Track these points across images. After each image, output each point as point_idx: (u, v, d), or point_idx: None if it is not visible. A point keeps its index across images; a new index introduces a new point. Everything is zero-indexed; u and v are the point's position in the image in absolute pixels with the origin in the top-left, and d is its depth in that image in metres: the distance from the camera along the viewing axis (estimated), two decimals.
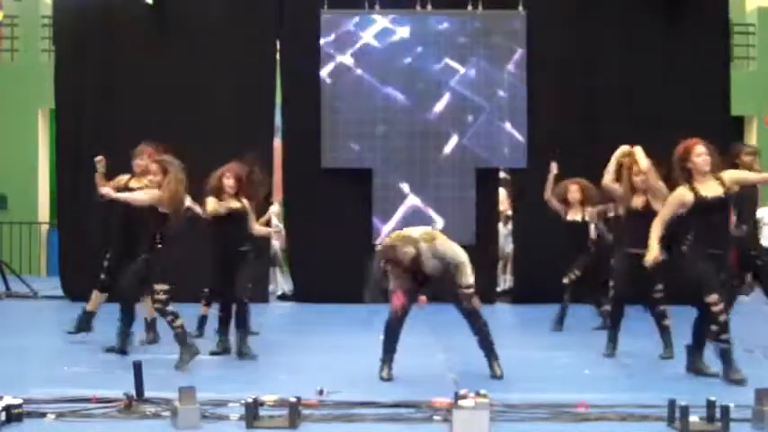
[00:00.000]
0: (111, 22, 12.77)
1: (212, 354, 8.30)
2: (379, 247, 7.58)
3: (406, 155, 12.81)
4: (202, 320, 9.43)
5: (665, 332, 8.40)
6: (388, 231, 12.74)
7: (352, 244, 12.46)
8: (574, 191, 10.12)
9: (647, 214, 7.88)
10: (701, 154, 7.23)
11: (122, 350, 8.18)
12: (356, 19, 12.96)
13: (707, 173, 7.22)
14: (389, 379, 7.34)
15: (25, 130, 16.87)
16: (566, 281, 10.01)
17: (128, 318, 8.26)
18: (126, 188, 8.64)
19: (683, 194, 7.22)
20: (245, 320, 8.37)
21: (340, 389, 6.73)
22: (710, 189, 7.17)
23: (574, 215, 10.12)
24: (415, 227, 7.64)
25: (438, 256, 7.25)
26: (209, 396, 6.27)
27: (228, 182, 8.39)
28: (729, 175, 7.35)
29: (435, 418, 6.02)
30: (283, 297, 13.47)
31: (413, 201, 12.83)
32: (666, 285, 8.32)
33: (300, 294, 13.11)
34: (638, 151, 8.26)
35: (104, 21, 12.78)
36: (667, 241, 7.60)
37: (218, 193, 8.40)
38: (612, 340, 8.43)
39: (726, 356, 7.18)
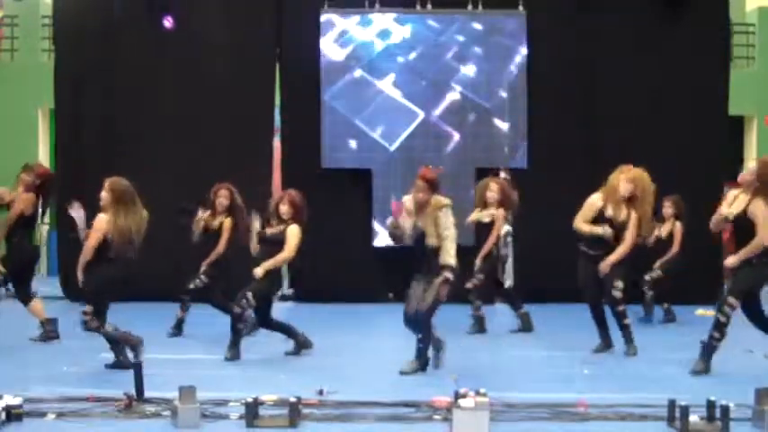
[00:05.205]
0: (111, 22, 12.77)
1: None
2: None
3: (406, 155, 12.79)
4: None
5: (625, 330, 8.61)
6: None
7: (352, 244, 12.46)
8: (494, 190, 9.86)
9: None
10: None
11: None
12: (356, 19, 12.94)
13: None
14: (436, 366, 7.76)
15: (25, 130, 16.86)
16: (469, 285, 9.72)
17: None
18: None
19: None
20: None
21: (340, 389, 6.73)
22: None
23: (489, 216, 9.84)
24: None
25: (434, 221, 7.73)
26: (209, 396, 6.27)
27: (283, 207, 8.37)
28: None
29: (435, 417, 6.02)
30: (283, 297, 13.44)
31: None
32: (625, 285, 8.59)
33: (300, 294, 13.10)
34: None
35: (104, 21, 12.77)
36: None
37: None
38: (604, 338, 8.73)
39: None
